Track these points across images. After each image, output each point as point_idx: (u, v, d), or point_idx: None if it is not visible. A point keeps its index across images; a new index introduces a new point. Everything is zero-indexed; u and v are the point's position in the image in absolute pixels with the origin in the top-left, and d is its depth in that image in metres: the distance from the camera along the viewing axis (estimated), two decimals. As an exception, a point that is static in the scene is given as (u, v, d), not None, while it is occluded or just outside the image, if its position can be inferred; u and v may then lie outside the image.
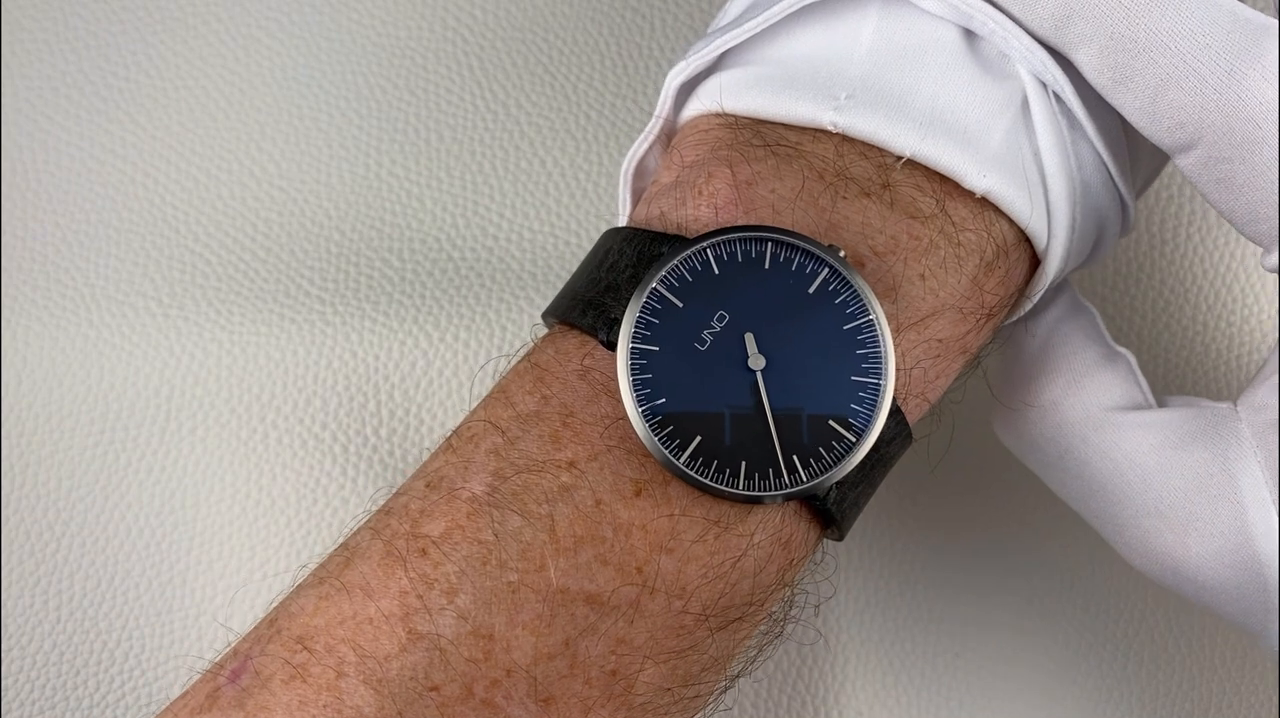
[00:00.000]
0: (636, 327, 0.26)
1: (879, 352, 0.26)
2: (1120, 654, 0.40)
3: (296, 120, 0.42)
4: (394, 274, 0.41)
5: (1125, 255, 0.42)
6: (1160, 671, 0.40)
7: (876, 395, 0.26)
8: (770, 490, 0.26)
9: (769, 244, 0.27)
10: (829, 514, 0.27)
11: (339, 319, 0.40)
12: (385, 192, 0.42)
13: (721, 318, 0.26)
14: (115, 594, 0.39)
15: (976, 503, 0.41)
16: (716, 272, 0.27)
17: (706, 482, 0.25)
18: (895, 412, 0.27)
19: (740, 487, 0.26)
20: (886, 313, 0.27)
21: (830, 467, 0.26)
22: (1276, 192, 0.27)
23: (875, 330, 0.26)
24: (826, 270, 0.27)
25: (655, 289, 0.26)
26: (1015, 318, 0.31)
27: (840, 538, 0.28)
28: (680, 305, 0.26)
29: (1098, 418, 0.31)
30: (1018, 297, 0.30)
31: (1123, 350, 0.32)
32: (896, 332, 0.27)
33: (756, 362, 0.26)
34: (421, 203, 0.42)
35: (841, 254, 0.27)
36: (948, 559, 0.40)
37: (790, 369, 0.26)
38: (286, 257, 0.41)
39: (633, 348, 0.26)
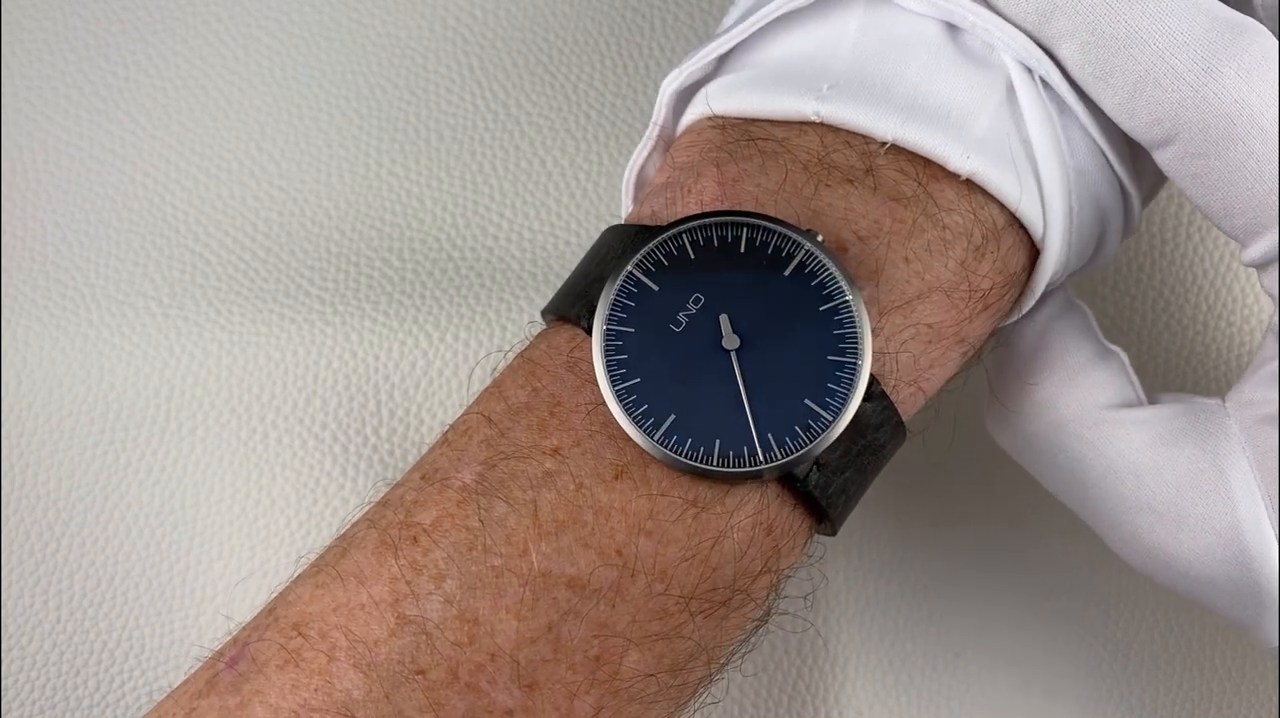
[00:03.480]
0: (612, 309, 0.27)
1: (856, 331, 0.26)
2: (1120, 654, 0.40)
3: (296, 120, 0.42)
4: (394, 274, 0.41)
5: (1125, 255, 0.42)
6: (1160, 671, 0.40)
7: (853, 374, 0.26)
8: (744, 467, 0.26)
9: (744, 229, 0.27)
10: (813, 500, 0.27)
11: (339, 319, 0.40)
12: (385, 191, 0.42)
13: (697, 300, 0.27)
14: (115, 594, 0.39)
15: (977, 503, 0.41)
16: (693, 256, 0.27)
17: (681, 458, 0.26)
18: (881, 396, 0.27)
19: (715, 463, 0.26)
20: (869, 296, 0.27)
21: (806, 444, 0.26)
22: (1251, 187, 0.27)
23: (851, 311, 0.26)
24: (803, 253, 0.27)
25: (631, 273, 0.27)
26: (1019, 315, 0.31)
27: (833, 533, 0.28)
28: (656, 289, 0.27)
29: (1092, 416, 0.31)
30: (1019, 290, 0.30)
31: (1115, 348, 0.32)
32: (880, 314, 0.27)
33: (731, 342, 0.26)
34: (421, 203, 0.42)
35: (819, 237, 0.27)
36: (948, 559, 0.40)
37: (765, 350, 0.26)
38: (286, 257, 0.41)
39: (608, 329, 0.26)
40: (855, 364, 0.26)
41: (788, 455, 0.26)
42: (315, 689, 0.25)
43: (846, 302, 0.27)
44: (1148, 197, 0.34)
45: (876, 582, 0.40)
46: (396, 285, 0.41)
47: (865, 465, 0.28)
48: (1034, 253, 0.30)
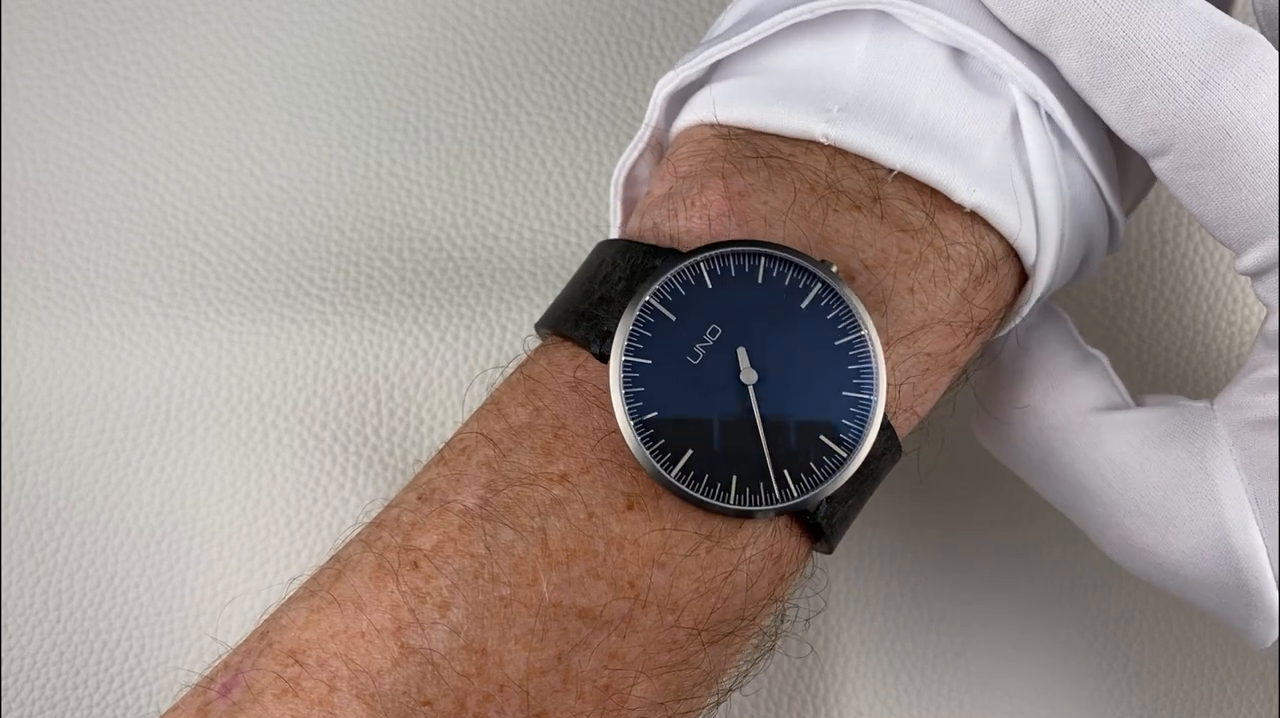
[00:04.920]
0: (629, 339, 0.26)
1: (870, 367, 0.26)
2: (1120, 654, 0.40)
3: (296, 120, 0.42)
4: (394, 274, 0.41)
5: (1125, 255, 0.42)
6: (1160, 671, 0.40)
7: (867, 411, 0.26)
8: (761, 505, 0.26)
9: (762, 258, 0.27)
10: (818, 528, 0.27)
11: (339, 319, 0.40)
12: (385, 191, 0.42)
13: (714, 332, 0.26)
14: (115, 594, 0.39)
15: (977, 503, 0.41)
16: (710, 285, 0.27)
17: (698, 496, 0.25)
18: (885, 426, 0.27)
19: (731, 501, 0.26)
20: (876, 326, 0.27)
21: (821, 481, 0.26)
22: (1245, 198, 0.27)
23: (867, 346, 0.26)
24: (819, 285, 0.27)
25: (648, 303, 0.26)
26: (1003, 333, 0.31)
27: (829, 551, 0.28)
28: (673, 319, 0.26)
29: (1078, 420, 0.31)
30: (1005, 311, 0.30)
31: (1095, 352, 0.32)
32: (886, 345, 0.27)
33: (749, 376, 0.26)
34: (421, 203, 0.42)
35: (834, 269, 0.27)
36: (947, 560, 0.40)
37: (782, 384, 0.26)
38: (286, 256, 0.41)
39: (625, 361, 0.26)
40: (870, 400, 0.26)
41: (803, 493, 0.26)
42: None
43: (861, 337, 0.26)
44: (1131, 206, 0.35)
45: (876, 582, 0.40)
46: (396, 285, 0.41)
47: (865, 491, 0.28)
48: (1023, 277, 0.30)
